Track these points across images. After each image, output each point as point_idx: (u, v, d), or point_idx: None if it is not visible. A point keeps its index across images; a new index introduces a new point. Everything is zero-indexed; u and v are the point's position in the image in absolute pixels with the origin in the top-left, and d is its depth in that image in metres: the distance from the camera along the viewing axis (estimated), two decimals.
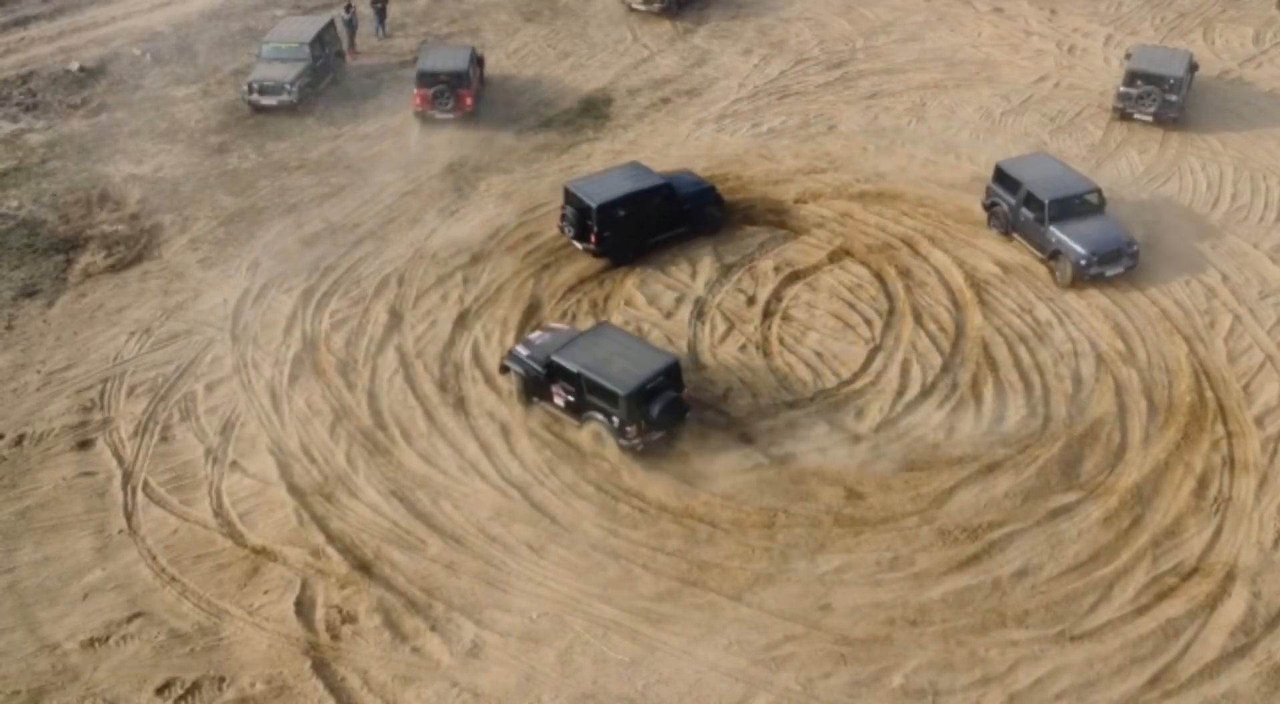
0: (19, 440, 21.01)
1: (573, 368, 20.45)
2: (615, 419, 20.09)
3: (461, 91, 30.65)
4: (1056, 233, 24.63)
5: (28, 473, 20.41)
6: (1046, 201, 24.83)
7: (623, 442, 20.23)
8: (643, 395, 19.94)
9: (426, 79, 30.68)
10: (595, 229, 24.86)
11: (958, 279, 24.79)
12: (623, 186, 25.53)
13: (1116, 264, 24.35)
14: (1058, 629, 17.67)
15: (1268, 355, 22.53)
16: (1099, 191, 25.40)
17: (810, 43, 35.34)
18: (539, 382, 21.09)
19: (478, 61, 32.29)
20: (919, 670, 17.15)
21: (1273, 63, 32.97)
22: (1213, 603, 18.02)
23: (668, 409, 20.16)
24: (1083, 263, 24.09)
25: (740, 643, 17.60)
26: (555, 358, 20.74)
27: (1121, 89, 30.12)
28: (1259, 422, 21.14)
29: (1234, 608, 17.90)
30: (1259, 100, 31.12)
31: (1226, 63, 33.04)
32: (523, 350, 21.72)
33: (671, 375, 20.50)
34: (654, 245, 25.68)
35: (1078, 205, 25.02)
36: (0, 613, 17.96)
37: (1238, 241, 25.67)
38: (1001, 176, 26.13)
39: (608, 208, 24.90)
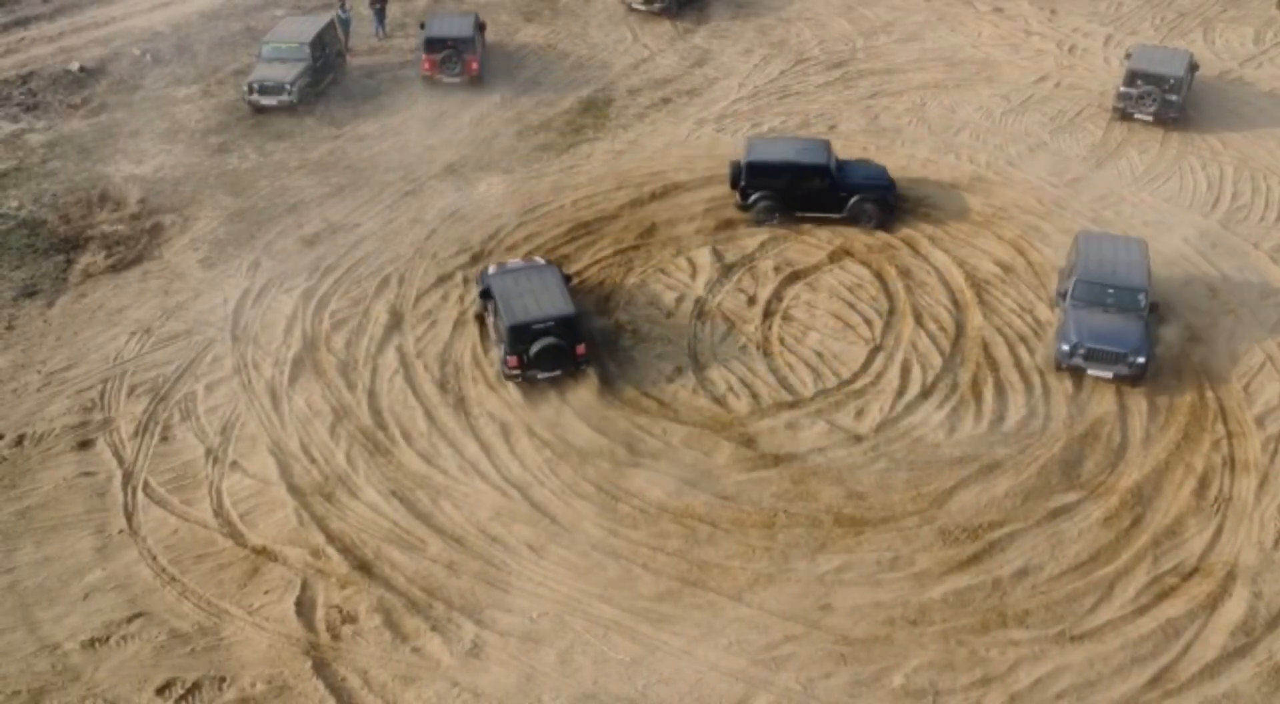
0: (19, 440, 21.01)
1: (494, 290, 22.49)
2: (502, 347, 21.79)
3: (468, 56, 32.37)
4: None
5: (28, 473, 20.40)
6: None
7: (503, 369, 21.80)
8: (526, 332, 21.45)
9: (434, 45, 32.41)
10: (742, 184, 26.34)
11: (958, 279, 24.79)
12: (785, 153, 26.53)
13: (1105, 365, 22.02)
14: (1058, 629, 17.67)
15: (1268, 355, 22.53)
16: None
17: (810, 43, 35.34)
18: (482, 299, 23.02)
19: (480, 28, 33.67)
20: (919, 670, 17.16)
21: (1273, 63, 32.97)
22: (1213, 603, 18.03)
23: (545, 352, 21.48)
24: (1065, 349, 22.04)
25: (740, 643, 17.61)
26: (489, 280, 22.91)
27: (1122, 89, 30.12)
28: (1259, 421, 21.14)
29: (1235, 608, 17.90)
30: (1259, 100, 31.12)
31: (1227, 63, 33.04)
32: (490, 270, 23.57)
33: (565, 325, 21.67)
34: (804, 219, 26.46)
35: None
36: (0, 613, 17.96)
37: (1238, 241, 25.66)
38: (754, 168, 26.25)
39: (757, 167, 26.19)
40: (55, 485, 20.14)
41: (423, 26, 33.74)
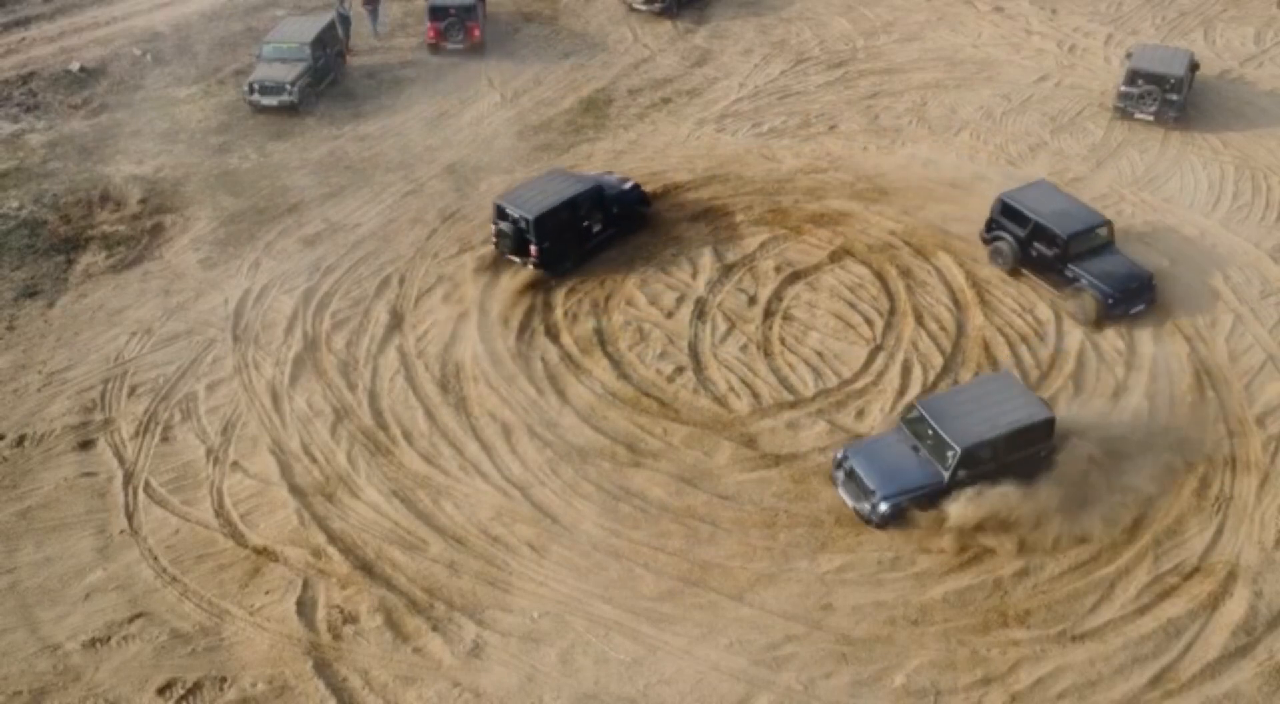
0: (20, 441, 21.02)
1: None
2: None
3: (470, 24, 34.03)
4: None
5: (29, 473, 20.41)
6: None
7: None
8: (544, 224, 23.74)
9: (438, 13, 34.08)
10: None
11: (959, 279, 24.77)
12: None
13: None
14: (1059, 629, 17.67)
15: (1269, 355, 22.52)
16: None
17: (811, 42, 35.33)
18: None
19: None
20: (921, 670, 17.16)
21: (1273, 62, 32.95)
22: (1214, 602, 18.03)
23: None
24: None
25: (742, 642, 17.61)
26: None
27: (1122, 88, 30.09)
28: (1260, 421, 21.13)
29: (1235, 607, 17.90)
30: (1260, 99, 31.09)
31: (1227, 62, 33.02)
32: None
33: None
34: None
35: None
36: (1, 613, 17.98)
37: (1239, 241, 25.64)
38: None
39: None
40: (56, 486, 20.16)
41: None
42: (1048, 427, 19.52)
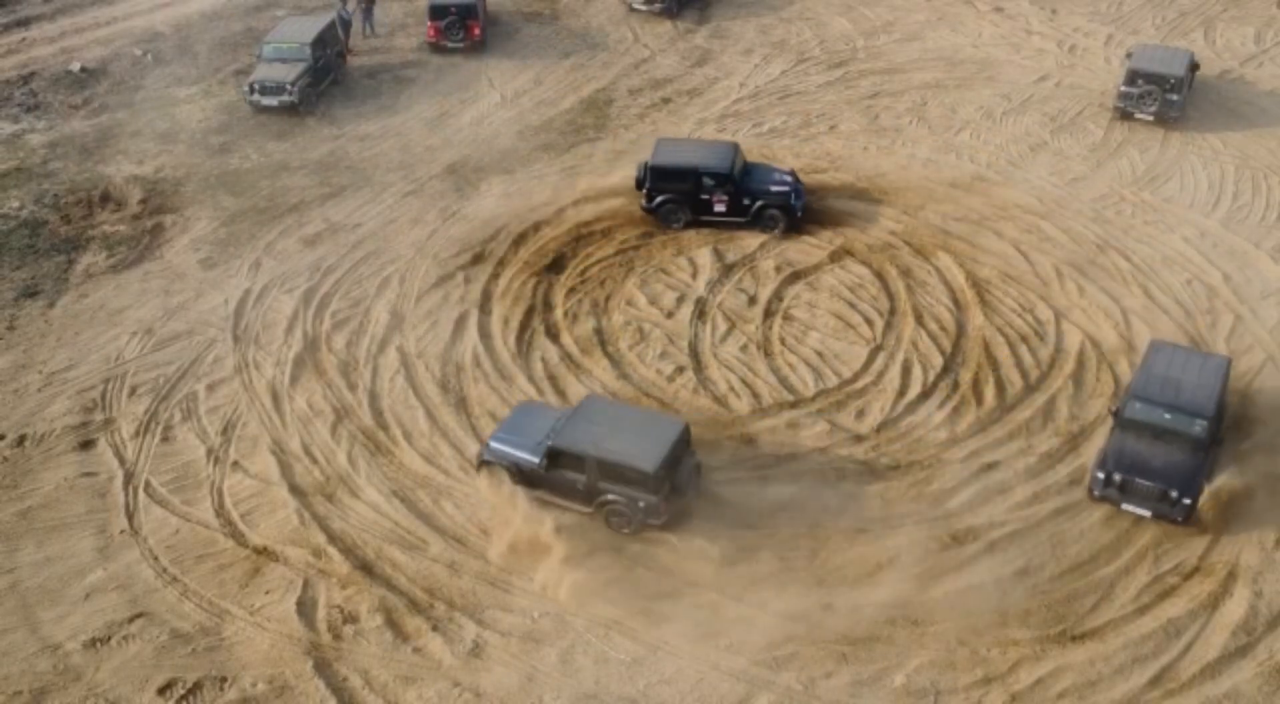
0: (20, 441, 21.05)
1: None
2: None
3: (470, 22, 34.17)
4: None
5: (29, 473, 20.43)
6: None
7: None
8: None
9: (438, 12, 34.19)
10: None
11: (959, 279, 24.78)
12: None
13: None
14: (1059, 629, 17.66)
15: (1269, 355, 22.51)
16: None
17: (811, 42, 35.34)
18: None
19: None
20: (920, 670, 17.15)
21: (1274, 62, 32.96)
22: (1214, 602, 18.01)
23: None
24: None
25: (741, 643, 17.59)
26: None
27: (1122, 88, 30.10)
28: (1263, 421, 21.07)
29: (1235, 607, 17.89)
30: (1260, 99, 31.10)
31: (1227, 62, 33.03)
32: None
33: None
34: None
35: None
36: (2, 613, 18.00)
37: (1239, 241, 25.64)
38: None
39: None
40: (56, 486, 20.17)
41: None
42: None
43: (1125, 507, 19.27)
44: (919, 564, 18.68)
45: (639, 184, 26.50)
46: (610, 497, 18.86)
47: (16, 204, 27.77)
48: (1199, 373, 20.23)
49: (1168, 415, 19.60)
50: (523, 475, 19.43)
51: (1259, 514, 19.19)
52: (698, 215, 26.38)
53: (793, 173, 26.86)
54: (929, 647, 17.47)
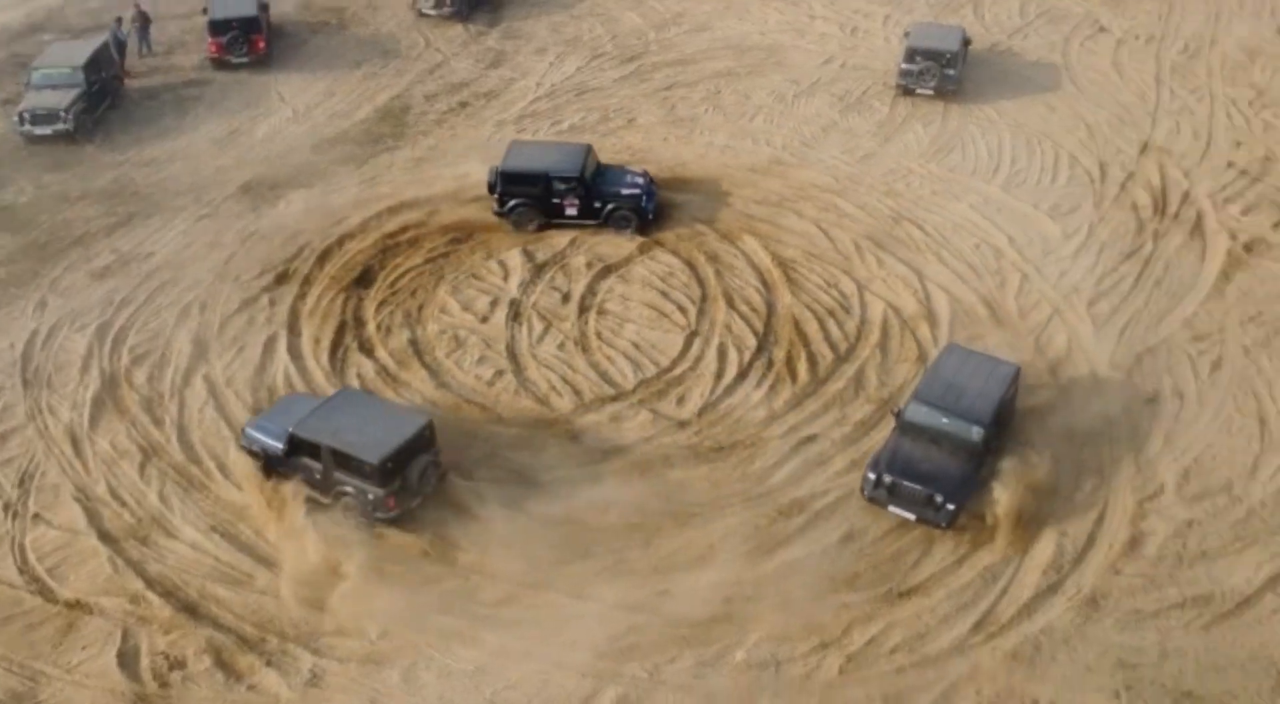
0: None
1: None
2: None
3: (254, 36, 33.12)
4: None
5: None
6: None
7: None
8: None
9: (219, 27, 32.99)
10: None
11: (765, 260, 25.41)
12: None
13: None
14: (886, 588, 18.35)
15: (1055, 308, 23.87)
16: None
17: (603, 38, 35.61)
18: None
19: (264, 8, 34.31)
20: (760, 644, 17.56)
21: (1037, 33, 34.86)
22: (1025, 546, 18.98)
23: None
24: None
25: (584, 638, 17.65)
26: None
27: (903, 66, 31.36)
28: (1052, 370, 22.37)
29: (1044, 549, 18.91)
30: (1027, 69, 32.88)
31: (996, 35, 34.78)
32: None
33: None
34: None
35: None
36: None
37: (1019, 204, 27.08)
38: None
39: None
40: None
41: (205, 11, 33.79)
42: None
43: (891, 508, 19.18)
44: (749, 542, 19.13)
45: (491, 188, 26.25)
46: (343, 487, 19.04)
47: None
48: (985, 379, 20.05)
49: (945, 420, 19.48)
50: (270, 461, 19.64)
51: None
52: (550, 218, 26.26)
53: (645, 174, 26.95)
54: (766, 620, 17.90)
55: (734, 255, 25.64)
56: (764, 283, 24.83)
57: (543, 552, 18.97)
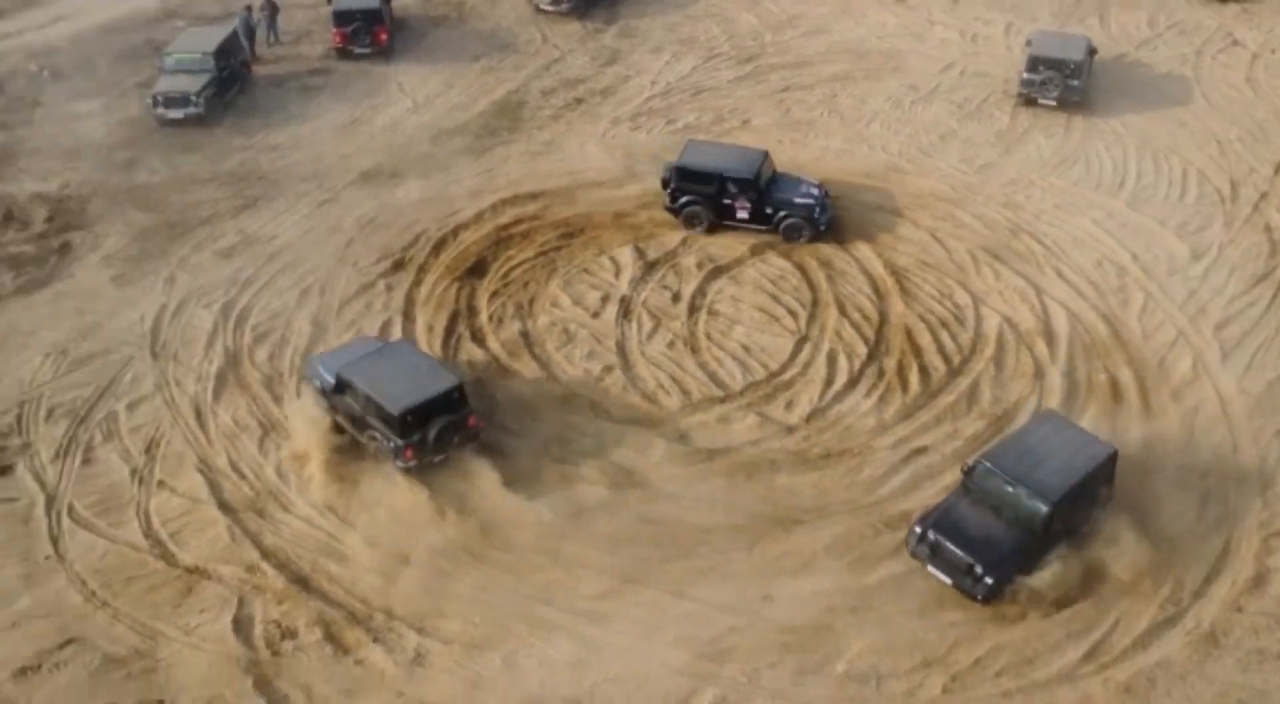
0: None
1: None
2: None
3: (377, 27, 33.79)
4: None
5: None
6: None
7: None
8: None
9: (344, 18, 33.71)
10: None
11: (878, 268, 25.19)
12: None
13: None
14: (994, 608, 17.98)
15: (1180, 330, 23.26)
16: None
17: (719, 38, 35.60)
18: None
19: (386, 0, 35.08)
20: (861, 656, 17.43)
21: (1167, 45, 34.00)
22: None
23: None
24: None
25: (684, 638, 17.72)
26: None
27: (1025, 75, 30.81)
28: (1175, 396, 21.79)
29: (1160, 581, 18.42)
30: (1156, 82, 32.07)
31: (1123, 46, 34.00)
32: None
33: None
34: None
35: None
36: None
37: (1145, 220, 26.43)
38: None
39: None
40: None
41: (330, 2, 34.50)
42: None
43: (930, 569, 18.14)
44: (854, 552, 19.00)
45: (664, 184, 26.39)
46: (373, 431, 20.00)
47: None
48: (1071, 454, 18.35)
49: (1010, 489, 18.06)
50: (323, 396, 20.93)
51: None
52: (721, 219, 26.21)
53: (820, 185, 26.60)
54: (868, 633, 17.75)
55: (846, 262, 25.47)
56: (876, 291, 24.62)
57: (645, 548, 19.11)
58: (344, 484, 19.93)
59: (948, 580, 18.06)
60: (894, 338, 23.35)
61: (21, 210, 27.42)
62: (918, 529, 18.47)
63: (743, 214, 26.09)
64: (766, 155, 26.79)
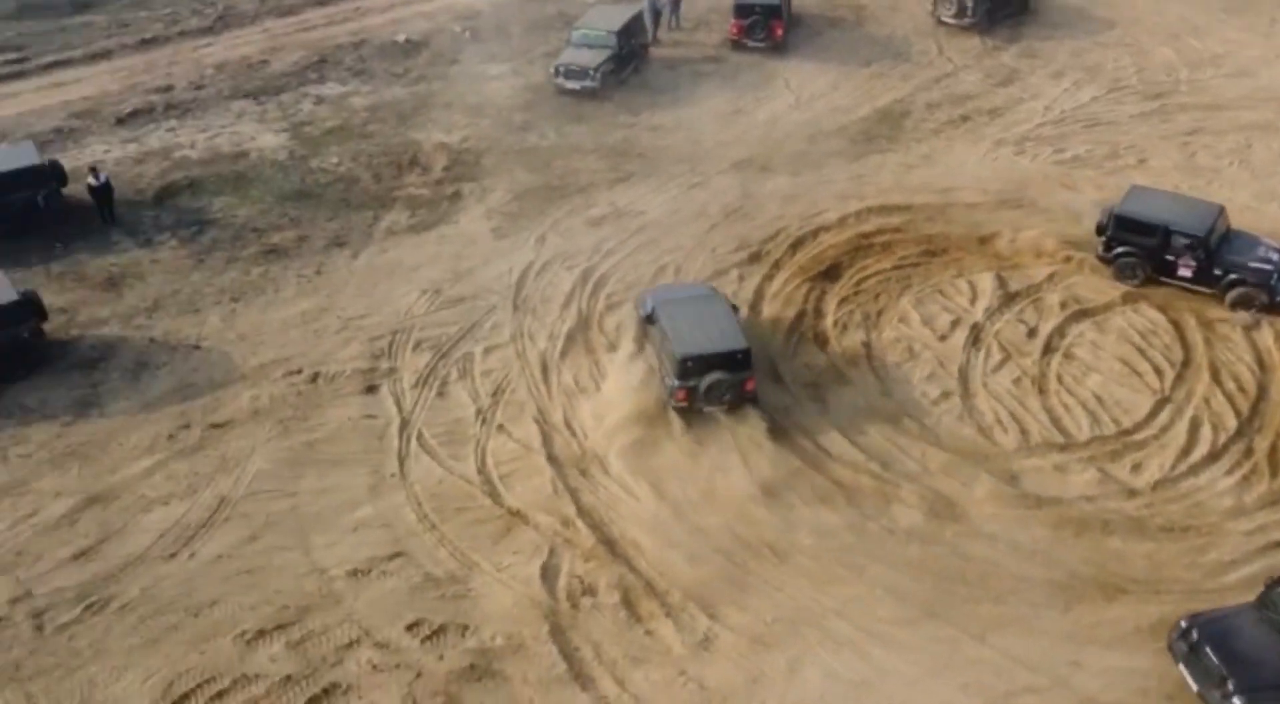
0: (314, 378, 22.67)
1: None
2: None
3: (774, 22, 34.49)
4: None
5: (319, 408, 21.99)
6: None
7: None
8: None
9: (743, 10, 34.55)
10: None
11: (1267, 338, 22.91)
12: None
13: None
14: None
15: None
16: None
17: (1128, 70, 33.50)
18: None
19: None
20: None
21: None
22: None
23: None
24: None
25: (976, 685, 16.92)
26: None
27: None
28: None
29: None
30: None
31: None
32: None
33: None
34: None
35: None
36: (281, 532, 19.44)
37: None
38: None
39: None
40: (340, 424, 21.62)
41: None
42: None
43: (1181, 669, 16.59)
44: None
45: (1099, 229, 24.67)
46: (664, 367, 21.35)
47: (335, 160, 29.93)
48: None
49: None
50: (642, 324, 22.61)
51: None
52: (1159, 275, 24.26)
53: None
54: None
55: (1230, 326, 23.32)
56: (1260, 363, 22.41)
57: (953, 584, 18.41)
58: (645, 451, 20.56)
59: (1194, 687, 16.48)
60: (1272, 416, 21.18)
61: (426, 157, 30.03)
62: (1183, 624, 16.90)
63: (1185, 272, 23.91)
64: (1222, 210, 24.41)
